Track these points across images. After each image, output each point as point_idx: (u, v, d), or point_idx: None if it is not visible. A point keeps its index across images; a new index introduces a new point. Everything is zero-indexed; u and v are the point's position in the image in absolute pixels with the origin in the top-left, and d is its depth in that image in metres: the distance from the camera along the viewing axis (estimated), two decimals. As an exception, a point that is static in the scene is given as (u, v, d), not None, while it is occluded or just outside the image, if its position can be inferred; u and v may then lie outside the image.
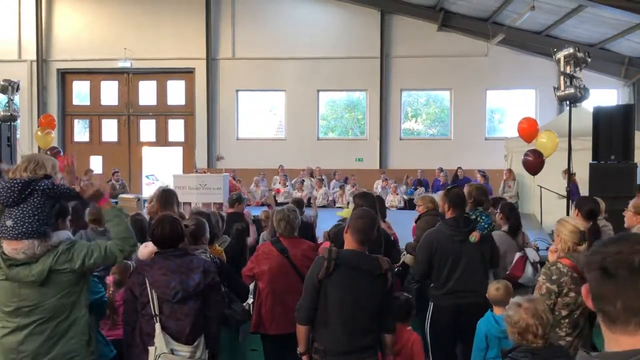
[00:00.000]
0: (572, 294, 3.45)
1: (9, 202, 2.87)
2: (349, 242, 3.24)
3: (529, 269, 5.32)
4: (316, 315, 3.18)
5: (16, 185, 2.85)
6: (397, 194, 14.41)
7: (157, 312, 3.18)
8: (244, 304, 4.30)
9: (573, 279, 3.47)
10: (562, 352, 2.76)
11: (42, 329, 2.90)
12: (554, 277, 3.48)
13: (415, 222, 5.90)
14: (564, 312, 3.52)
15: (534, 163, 8.44)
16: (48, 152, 9.61)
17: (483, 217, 4.59)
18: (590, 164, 7.40)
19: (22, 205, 2.88)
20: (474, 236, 4.36)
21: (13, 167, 3.05)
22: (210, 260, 3.60)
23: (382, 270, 3.17)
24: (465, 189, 4.98)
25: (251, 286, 4.47)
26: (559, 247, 3.65)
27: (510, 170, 12.34)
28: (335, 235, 4.23)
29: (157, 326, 3.15)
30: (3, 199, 2.88)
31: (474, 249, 4.37)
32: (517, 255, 4.86)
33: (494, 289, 3.90)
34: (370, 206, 4.52)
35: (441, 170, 15.24)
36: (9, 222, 2.86)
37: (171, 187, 8.33)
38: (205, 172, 14.43)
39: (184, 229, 3.47)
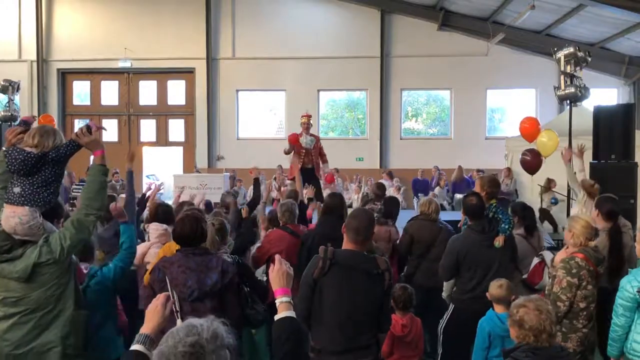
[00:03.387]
0: (589, 287, 3.57)
1: (20, 173, 2.94)
2: (346, 242, 3.22)
3: (546, 275, 5.27)
4: (312, 313, 3.17)
5: (31, 159, 2.91)
6: (399, 193, 14.33)
7: (177, 309, 3.21)
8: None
9: (590, 272, 3.57)
10: (563, 352, 2.74)
11: (27, 319, 2.94)
12: (574, 271, 3.57)
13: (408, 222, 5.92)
14: (582, 305, 3.60)
15: (532, 163, 8.43)
16: None
17: (500, 216, 4.54)
18: (591, 163, 7.39)
19: (32, 178, 2.94)
20: (498, 241, 4.38)
21: (10, 133, 3.10)
22: (230, 260, 3.64)
23: (380, 270, 3.13)
24: (477, 183, 4.97)
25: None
26: (570, 242, 3.69)
27: (508, 169, 12.36)
28: None
29: (179, 322, 3.14)
30: (16, 169, 2.94)
31: (502, 252, 4.39)
32: (535, 260, 4.78)
33: (497, 286, 3.89)
34: (338, 205, 4.76)
35: (437, 169, 15.21)
36: (16, 189, 2.94)
37: (171, 186, 8.30)
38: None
39: (205, 228, 3.48)
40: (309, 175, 8.79)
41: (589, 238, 3.70)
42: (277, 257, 2.38)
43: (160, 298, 2.14)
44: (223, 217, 4.89)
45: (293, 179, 9.39)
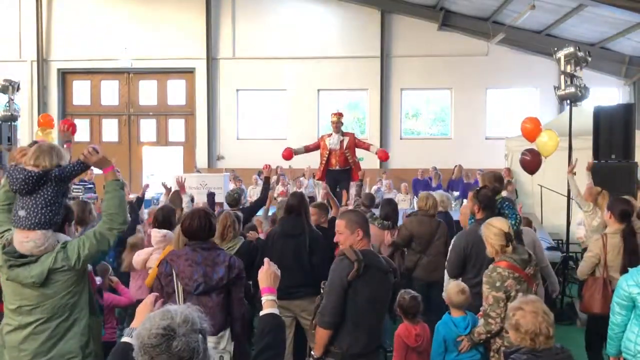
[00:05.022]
0: (519, 295, 3.37)
1: (22, 192, 2.92)
2: (357, 241, 3.17)
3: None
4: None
5: (32, 177, 2.89)
6: (407, 194, 14.19)
7: (181, 302, 3.20)
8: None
9: (516, 279, 3.42)
10: (564, 353, 2.72)
11: (43, 328, 2.91)
12: (498, 284, 3.41)
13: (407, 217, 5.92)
14: None
15: (532, 163, 8.41)
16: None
17: (506, 211, 4.49)
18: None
19: (34, 196, 2.92)
20: None
21: (18, 152, 3.08)
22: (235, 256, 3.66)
23: (391, 268, 3.21)
24: (481, 179, 4.97)
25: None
26: (492, 251, 3.58)
27: (509, 169, 12.36)
28: None
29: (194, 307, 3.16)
30: (17, 188, 2.92)
31: None
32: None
33: (457, 292, 3.82)
34: (298, 204, 4.72)
35: (435, 169, 15.17)
36: (21, 212, 2.91)
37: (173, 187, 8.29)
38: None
39: (214, 223, 3.50)
40: (337, 177, 8.23)
41: (504, 245, 3.55)
42: (266, 259, 2.59)
43: (150, 297, 2.33)
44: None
45: (320, 179, 9.04)
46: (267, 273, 2.50)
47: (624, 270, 4.28)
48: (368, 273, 3.05)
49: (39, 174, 2.91)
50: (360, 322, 3.07)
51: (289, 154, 9.13)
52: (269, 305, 2.43)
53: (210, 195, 6.77)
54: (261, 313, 2.42)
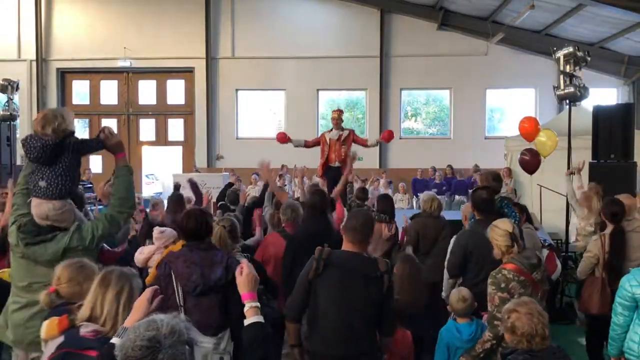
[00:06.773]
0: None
1: (40, 161, 2.99)
2: (345, 243, 3.15)
3: (558, 263, 5.28)
4: (306, 314, 3.11)
5: (48, 146, 2.95)
6: (405, 194, 14.20)
7: (181, 304, 3.25)
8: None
9: (521, 282, 3.38)
10: (561, 353, 2.71)
11: None
12: (503, 285, 3.38)
13: (411, 219, 5.92)
14: None
15: (531, 162, 8.41)
16: None
17: (505, 210, 4.47)
18: (590, 163, 7.38)
19: (54, 167, 3.00)
20: None
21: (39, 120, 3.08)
22: (240, 257, 3.68)
23: (380, 272, 3.03)
24: (480, 179, 4.98)
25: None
26: (499, 253, 3.56)
27: (508, 169, 12.36)
28: None
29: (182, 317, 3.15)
30: (35, 156, 2.98)
31: None
32: (545, 250, 4.86)
33: (458, 299, 3.73)
34: (319, 203, 4.56)
35: (434, 169, 15.19)
36: (42, 183, 2.99)
37: (171, 186, 8.29)
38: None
39: (211, 223, 3.53)
40: (334, 174, 7.91)
41: (510, 245, 3.51)
42: (244, 261, 2.38)
43: (147, 292, 2.15)
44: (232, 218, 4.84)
45: (321, 177, 8.87)
46: (248, 277, 2.24)
47: (616, 270, 4.32)
48: (330, 273, 3.01)
49: (56, 141, 2.97)
50: (323, 321, 3.02)
51: (282, 138, 9.09)
52: (252, 313, 2.20)
53: (193, 184, 6.74)
54: (245, 322, 2.20)
